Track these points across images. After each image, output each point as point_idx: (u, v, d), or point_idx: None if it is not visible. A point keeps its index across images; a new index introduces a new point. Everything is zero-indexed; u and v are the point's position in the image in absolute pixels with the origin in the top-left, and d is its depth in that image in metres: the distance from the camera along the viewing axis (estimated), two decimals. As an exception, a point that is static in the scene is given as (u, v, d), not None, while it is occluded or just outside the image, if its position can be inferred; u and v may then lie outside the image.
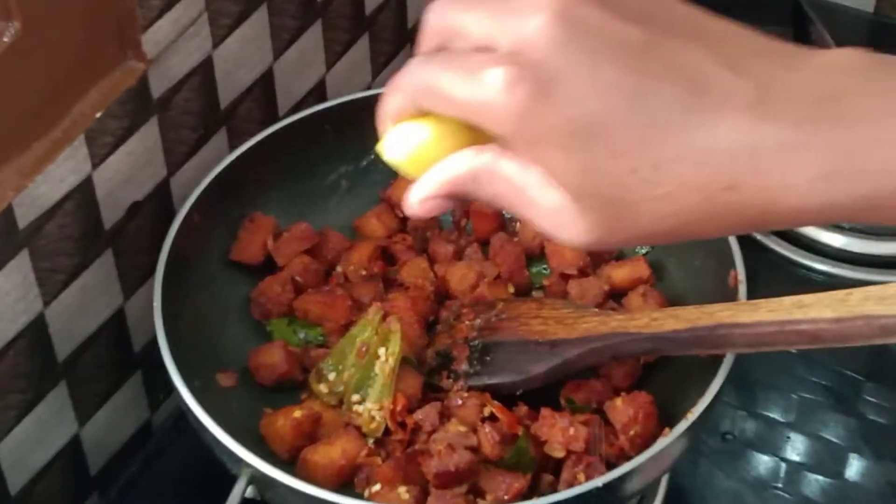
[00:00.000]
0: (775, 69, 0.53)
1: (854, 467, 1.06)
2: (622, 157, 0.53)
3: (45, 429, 0.96)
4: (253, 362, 0.96)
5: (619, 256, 1.04)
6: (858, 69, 0.52)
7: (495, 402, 0.92)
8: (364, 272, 1.02)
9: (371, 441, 0.92)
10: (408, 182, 1.06)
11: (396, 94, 0.59)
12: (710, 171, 0.53)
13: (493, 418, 0.91)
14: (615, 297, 1.00)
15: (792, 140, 0.51)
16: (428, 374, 0.95)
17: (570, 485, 0.87)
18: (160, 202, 1.00)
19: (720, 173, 0.52)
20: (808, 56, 0.54)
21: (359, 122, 1.05)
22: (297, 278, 1.01)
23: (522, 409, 0.92)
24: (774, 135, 0.51)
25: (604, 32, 0.54)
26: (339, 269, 1.03)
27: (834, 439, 1.07)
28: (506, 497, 0.87)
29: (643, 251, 1.04)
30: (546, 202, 0.56)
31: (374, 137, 1.04)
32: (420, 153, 0.60)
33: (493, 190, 0.58)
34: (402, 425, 0.91)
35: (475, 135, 0.58)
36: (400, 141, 0.60)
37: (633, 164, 0.53)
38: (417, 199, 0.61)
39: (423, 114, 0.59)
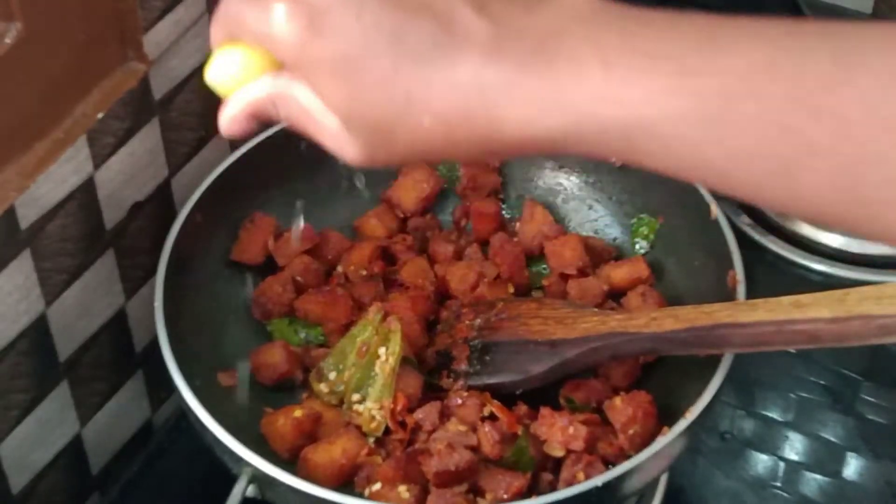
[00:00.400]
0: (514, 11, 0.60)
1: (852, 467, 1.06)
2: (380, 87, 0.60)
3: (47, 428, 0.96)
4: (253, 362, 0.97)
5: (619, 257, 1.05)
6: (585, 15, 0.59)
7: (495, 401, 0.92)
8: (364, 272, 1.02)
9: (371, 440, 0.92)
10: (408, 182, 1.06)
11: (216, 25, 0.67)
12: (449, 103, 0.60)
13: (492, 418, 0.91)
14: (614, 297, 1.00)
15: (512, 77, 0.58)
16: (428, 373, 0.96)
17: (570, 484, 0.87)
18: (161, 202, 1.00)
19: (457, 106, 0.60)
20: (548, 1, 0.60)
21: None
22: (298, 278, 1.01)
23: (522, 408, 0.92)
24: (498, 72, 0.58)
25: None
26: (339, 269, 1.03)
27: (832, 439, 1.07)
28: (505, 496, 0.87)
29: (642, 251, 1.04)
30: (327, 124, 0.63)
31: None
32: (232, 77, 0.67)
33: (287, 112, 0.65)
34: (403, 425, 0.91)
35: (279, 62, 0.65)
36: (218, 66, 0.68)
37: (389, 95, 0.60)
38: (225, 119, 0.68)
39: (237, 42, 0.66)
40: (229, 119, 0.68)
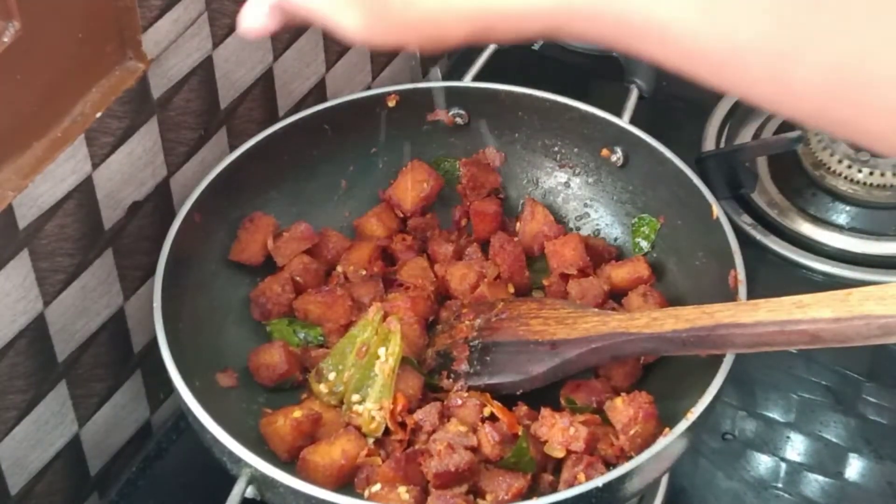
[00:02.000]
0: None
1: (854, 467, 1.06)
2: None
3: (45, 429, 0.96)
4: (253, 362, 0.96)
5: (620, 257, 1.04)
6: None
7: (495, 402, 0.92)
8: (364, 272, 1.02)
9: (371, 441, 0.92)
10: (408, 182, 1.06)
11: None
12: None
13: (493, 418, 0.91)
14: (615, 297, 1.00)
15: None
16: (428, 374, 0.95)
17: (570, 485, 0.87)
18: (160, 202, 1.00)
19: None
20: None
21: (358, 122, 1.06)
22: (297, 278, 1.01)
23: (522, 409, 0.92)
24: None
25: None
26: (339, 269, 1.03)
27: (834, 439, 1.07)
28: (506, 497, 0.87)
29: (643, 251, 1.04)
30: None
31: (373, 137, 1.04)
32: None
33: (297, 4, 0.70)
34: (402, 425, 0.91)
35: None
36: None
37: None
38: (248, 9, 0.73)
39: None
40: (251, 16, 0.73)
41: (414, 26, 0.66)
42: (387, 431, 0.92)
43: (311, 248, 1.02)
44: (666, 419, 0.89)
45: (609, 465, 0.88)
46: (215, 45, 1.00)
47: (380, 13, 0.66)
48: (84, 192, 0.91)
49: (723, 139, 1.27)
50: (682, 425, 0.85)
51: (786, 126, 1.28)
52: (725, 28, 0.56)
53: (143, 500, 1.03)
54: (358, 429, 0.92)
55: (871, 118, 0.55)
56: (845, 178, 1.21)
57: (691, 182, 0.99)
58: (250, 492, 0.84)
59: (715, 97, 1.30)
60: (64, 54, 0.85)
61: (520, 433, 0.90)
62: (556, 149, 1.07)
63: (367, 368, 0.93)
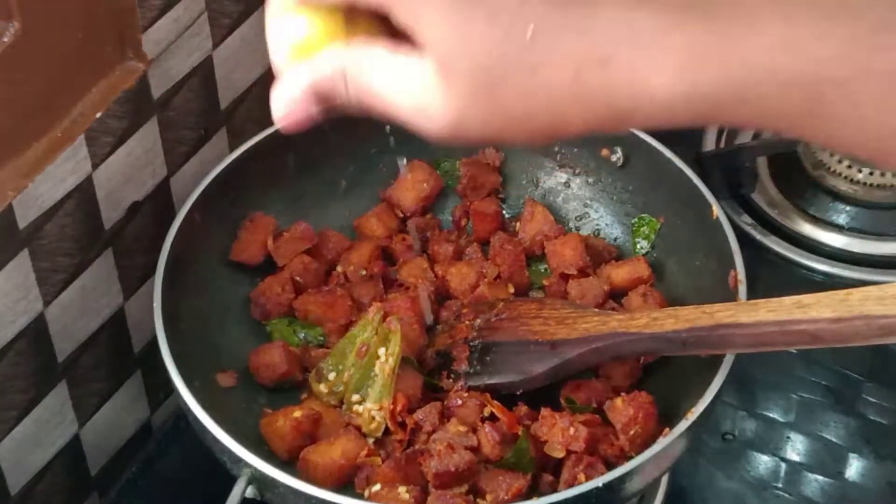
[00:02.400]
0: None
1: (854, 467, 1.06)
2: (500, 19, 0.52)
3: (45, 429, 0.96)
4: (253, 362, 0.96)
5: (620, 257, 1.04)
6: None
7: (495, 402, 0.92)
8: (364, 272, 1.02)
9: (371, 441, 0.91)
10: (408, 182, 1.06)
11: None
12: (587, 42, 0.51)
13: (493, 418, 0.91)
14: (615, 297, 1.00)
15: (665, 22, 0.51)
16: (428, 374, 0.95)
17: (570, 485, 0.87)
18: (160, 202, 1.00)
19: (596, 44, 0.51)
20: None
21: (358, 122, 1.05)
22: (297, 278, 1.01)
23: (522, 409, 0.92)
24: (651, 16, 0.51)
25: None
26: (339, 269, 1.03)
27: (834, 439, 1.07)
28: (506, 497, 0.87)
29: (643, 251, 1.04)
30: (413, 82, 0.54)
31: (373, 137, 1.04)
32: (297, 46, 0.58)
33: (359, 84, 0.56)
34: (402, 425, 0.91)
35: (350, 29, 0.57)
36: (280, 32, 0.58)
37: (509, 29, 0.51)
38: (282, 101, 0.58)
39: (303, 6, 0.57)
40: (289, 101, 0.58)
41: (523, 117, 0.52)
42: (387, 431, 0.92)
43: (311, 248, 1.02)
44: (666, 419, 0.89)
45: (609, 465, 0.88)
46: (215, 45, 1.00)
47: (485, 97, 0.52)
48: (84, 192, 0.91)
49: (723, 139, 1.27)
50: (682, 425, 0.85)
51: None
52: None
53: (143, 500, 1.03)
54: (358, 429, 0.92)
55: None
56: (845, 178, 1.21)
57: (691, 182, 0.99)
58: (250, 492, 0.84)
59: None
60: (64, 54, 0.85)
61: (520, 433, 0.90)
62: (556, 149, 1.07)
63: (367, 368, 0.92)
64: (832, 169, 1.22)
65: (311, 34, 0.57)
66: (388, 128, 0.62)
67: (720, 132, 1.28)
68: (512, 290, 1.01)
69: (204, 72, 0.99)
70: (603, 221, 1.07)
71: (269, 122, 1.03)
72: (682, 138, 1.15)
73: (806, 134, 0.52)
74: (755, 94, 0.51)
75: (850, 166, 1.21)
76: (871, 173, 1.21)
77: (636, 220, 1.05)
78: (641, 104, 0.52)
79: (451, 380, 0.95)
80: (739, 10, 0.51)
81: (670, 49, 0.51)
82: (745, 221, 1.20)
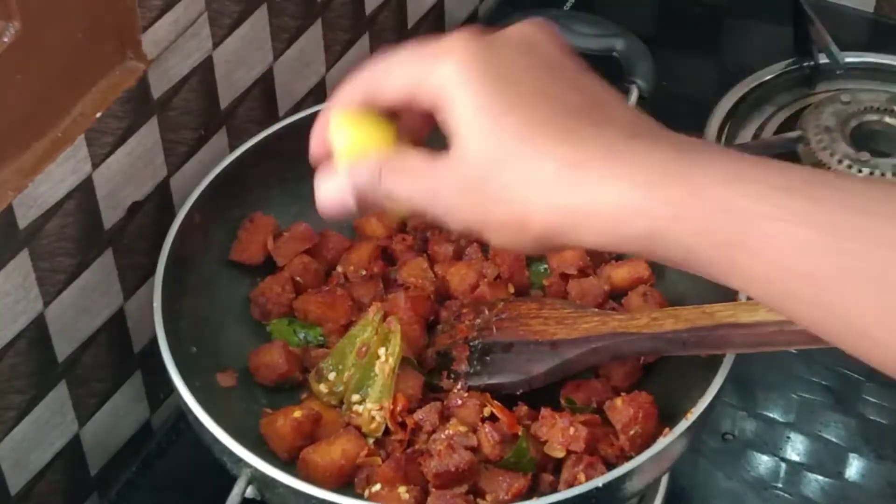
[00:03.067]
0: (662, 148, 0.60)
1: (854, 467, 1.06)
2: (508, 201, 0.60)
3: (45, 429, 0.96)
4: (253, 362, 0.96)
5: (620, 257, 1.04)
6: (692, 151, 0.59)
7: (495, 402, 0.92)
8: (364, 272, 1.02)
9: (371, 441, 0.91)
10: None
11: (352, 83, 0.67)
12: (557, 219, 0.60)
13: (493, 418, 0.91)
14: (615, 297, 1.00)
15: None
16: (428, 374, 0.95)
17: (571, 485, 0.87)
18: (160, 202, 1.00)
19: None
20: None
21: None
22: (297, 278, 1.01)
23: (522, 409, 0.92)
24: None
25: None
26: (339, 269, 1.03)
27: (834, 439, 1.07)
28: (506, 497, 0.87)
29: (643, 251, 1.04)
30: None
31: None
32: (349, 143, 0.66)
33: (401, 188, 0.64)
34: (402, 425, 0.91)
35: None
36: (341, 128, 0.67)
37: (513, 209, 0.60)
38: (328, 195, 0.66)
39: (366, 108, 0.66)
40: (332, 196, 0.66)
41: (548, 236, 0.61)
42: (387, 431, 0.92)
43: (311, 248, 1.02)
44: (666, 419, 0.89)
45: (609, 465, 0.88)
46: (215, 45, 1.00)
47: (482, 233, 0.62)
48: (84, 192, 0.91)
49: (723, 139, 1.27)
50: (682, 425, 0.85)
51: (786, 126, 1.28)
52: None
53: (143, 499, 1.03)
54: (358, 429, 0.92)
55: None
56: (845, 178, 1.21)
57: (691, 182, 0.98)
58: (250, 492, 0.84)
59: (715, 97, 1.30)
60: (64, 54, 0.85)
61: (520, 433, 0.90)
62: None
63: (367, 368, 0.92)
64: (832, 169, 1.22)
65: (358, 140, 0.66)
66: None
67: (720, 132, 1.28)
68: (512, 290, 1.01)
69: (204, 72, 0.99)
70: (603, 221, 1.06)
71: (269, 122, 1.04)
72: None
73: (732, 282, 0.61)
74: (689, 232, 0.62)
75: (850, 166, 1.21)
76: (871, 173, 1.21)
77: (636, 220, 1.04)
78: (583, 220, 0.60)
79: (451, 380, 0.95)
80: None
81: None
82: (745, 221, 1.20)
